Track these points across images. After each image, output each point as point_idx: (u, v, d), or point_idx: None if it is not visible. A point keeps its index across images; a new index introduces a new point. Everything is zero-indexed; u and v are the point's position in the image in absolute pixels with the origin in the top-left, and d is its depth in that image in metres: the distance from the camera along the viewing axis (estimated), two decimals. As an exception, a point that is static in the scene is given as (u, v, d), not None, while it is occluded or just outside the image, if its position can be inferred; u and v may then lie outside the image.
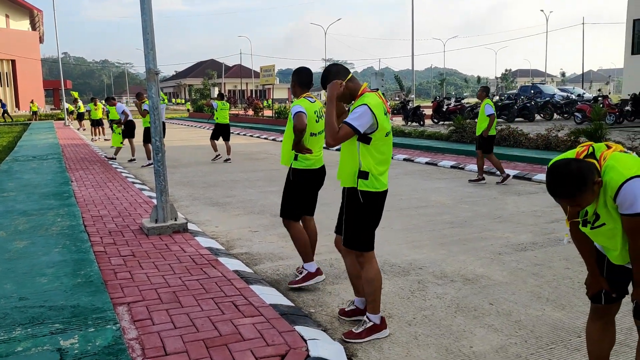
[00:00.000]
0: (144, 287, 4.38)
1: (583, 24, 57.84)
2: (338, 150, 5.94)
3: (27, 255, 5.30)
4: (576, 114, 22.14)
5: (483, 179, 10.10)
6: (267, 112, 37.59)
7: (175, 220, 6.38)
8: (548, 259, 5.31)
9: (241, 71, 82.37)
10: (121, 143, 15.12)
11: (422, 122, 24.70)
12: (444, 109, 25.68)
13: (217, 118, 14.46)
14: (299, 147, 4.43)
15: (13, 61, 55.79)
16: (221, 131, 14.49)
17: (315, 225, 4.89)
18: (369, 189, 3.48)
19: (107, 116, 18.05)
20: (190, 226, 6.57)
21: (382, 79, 27.60)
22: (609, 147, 2.46)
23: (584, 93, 35.03)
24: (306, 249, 4.67)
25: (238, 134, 25.03)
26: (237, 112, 39.73)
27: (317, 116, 4.61)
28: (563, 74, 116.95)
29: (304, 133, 4.40)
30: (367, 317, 3.66)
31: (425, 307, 4.16)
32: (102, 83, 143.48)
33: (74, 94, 37.94)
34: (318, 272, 4.65)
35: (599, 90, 48.23)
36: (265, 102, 50.79)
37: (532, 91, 32.42)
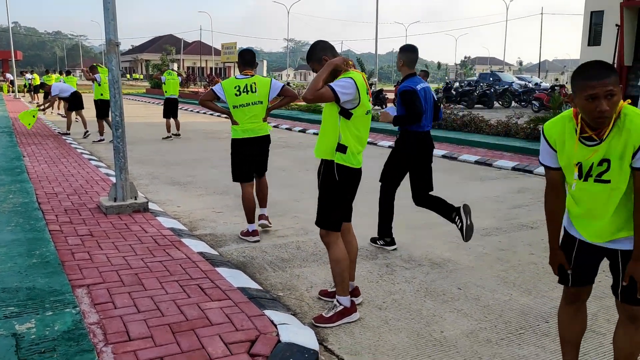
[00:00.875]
0: (104, 268, 4.19)
1: (542, 14, 59.06)
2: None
3: (-23, 233, 5.00)
4: (534, 102, 22.65)
5: None
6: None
7: (135, 199, 6.15)
8: (512, 244, 5.38)
9: (201, 48, 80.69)
10: (59, 114, 14.76)
11: (384, 106, 24.77)
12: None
13: (166, 91, 14.07)
14: (230, 117, 5.40)
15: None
16: (171, 107, 14.01)
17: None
18: (345, 164, 3.49)
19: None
20: (151, 206, 6.36)
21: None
22: None
23: (541, 82, 35.83)
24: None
25: (198, 112, 24.50)
26: (196, 90, 38.91)
27: (238, 91, 5.29)
28: (521, 63, 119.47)
29: (204, 105, 5.43)
30: (337, 300, 3.60)
31: (395, 291, 4.14)
32: (55, 55, 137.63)
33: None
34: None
35: (556, 79, 49.51)
36: (226, 80, 49.81)
37: (491, 79, 32.97)
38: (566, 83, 41.51)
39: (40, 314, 3.33)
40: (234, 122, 5.36)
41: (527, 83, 31.19)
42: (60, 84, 15.04)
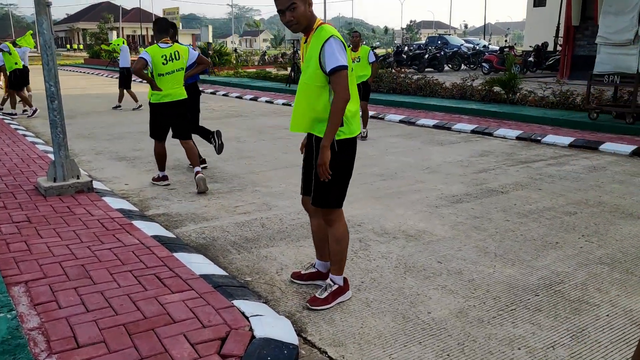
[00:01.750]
0: (45, 260, 3.68)
1: (485, -24, 59.29)
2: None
3: None
4: (484, 64, 22.67)
5: None
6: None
7: (78, 178, 5.57)
8: (486, 211, 5.15)
9: (141, 15, 77.16)
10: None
11: None
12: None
13: (119, 61, 13.65)
14: (151, 84, 5.76)
15: None
16: (127, 77, 13.86)
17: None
18: (346, 136, 3.06)
19: None
20: (96, 185, 5.80)
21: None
22: None
23: (488, 44, 36.06)
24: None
25: (141, 82, 23.31)
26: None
27: (165, 59, 5.70)
28: (466, 26, 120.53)
29: (138, 74, 5.59)
30: (331, 279, 3.29)
31: (372, 269, 3.82)
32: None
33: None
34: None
35: (506, 41, 50.08)
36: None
37: (440, 42, 32.89)
38: (515, 44, 42.07)
39: (-31, 320, 2.83)
40: (156, 89, 5.72)
41: (475, 46, 31.28)
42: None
